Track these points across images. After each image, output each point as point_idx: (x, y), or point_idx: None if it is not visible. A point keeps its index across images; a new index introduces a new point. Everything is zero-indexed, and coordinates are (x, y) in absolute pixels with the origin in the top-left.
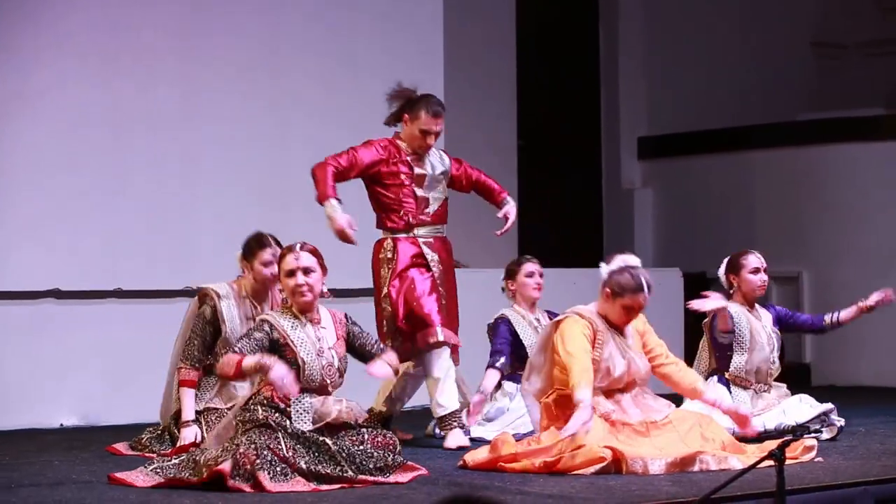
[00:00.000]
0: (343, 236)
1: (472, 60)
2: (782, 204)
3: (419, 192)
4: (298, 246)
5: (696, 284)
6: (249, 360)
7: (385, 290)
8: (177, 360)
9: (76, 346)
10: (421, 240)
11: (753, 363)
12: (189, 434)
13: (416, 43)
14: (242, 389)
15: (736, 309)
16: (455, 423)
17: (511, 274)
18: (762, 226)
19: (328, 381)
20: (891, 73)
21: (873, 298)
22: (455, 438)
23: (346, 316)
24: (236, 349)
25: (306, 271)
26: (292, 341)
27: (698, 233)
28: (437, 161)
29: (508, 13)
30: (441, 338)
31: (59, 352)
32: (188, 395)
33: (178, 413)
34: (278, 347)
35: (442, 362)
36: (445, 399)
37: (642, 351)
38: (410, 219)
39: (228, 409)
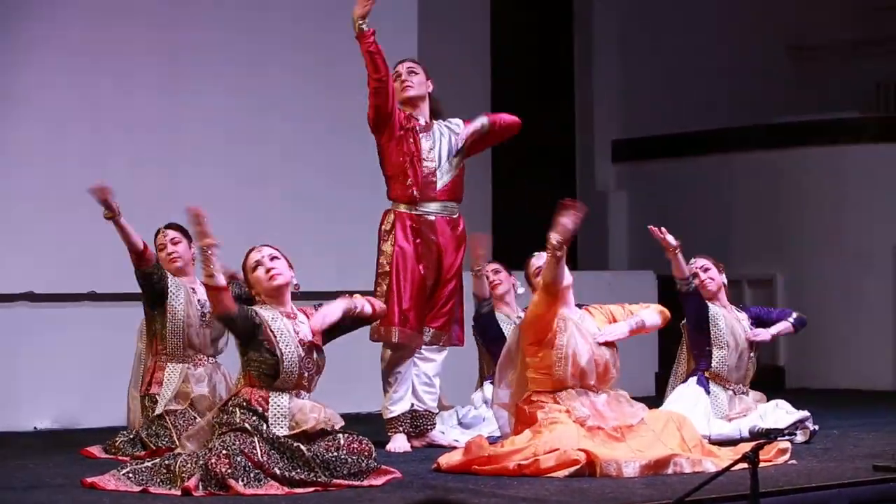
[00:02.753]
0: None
1: (446, 64)
2: (757, 207)
3: (427, 165)
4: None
5: (671, 287)
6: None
7: (382, 263)
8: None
9: (50, 349)
10: (424, 217)
11: (734, 359)
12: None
13: (390, 43)
14: (200, 388)
15: (714, 309)
16: (400, 428)
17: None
18: (737, 228)
19: (305, 374)
20: (866, 77)
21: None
22: (397, 443)
23: (314, 307)
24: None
25: (271, 258)
26: (272, 331)
27: (673, 236)
28: (448, 131)
29: (482, 16)
30: (395, 339)
31: (34, 355)
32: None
33: (149, 417)
34: (259, 332)
35: (393, 361)
36: (393, 402)
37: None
38: (414, 191)
39: (187, 409)
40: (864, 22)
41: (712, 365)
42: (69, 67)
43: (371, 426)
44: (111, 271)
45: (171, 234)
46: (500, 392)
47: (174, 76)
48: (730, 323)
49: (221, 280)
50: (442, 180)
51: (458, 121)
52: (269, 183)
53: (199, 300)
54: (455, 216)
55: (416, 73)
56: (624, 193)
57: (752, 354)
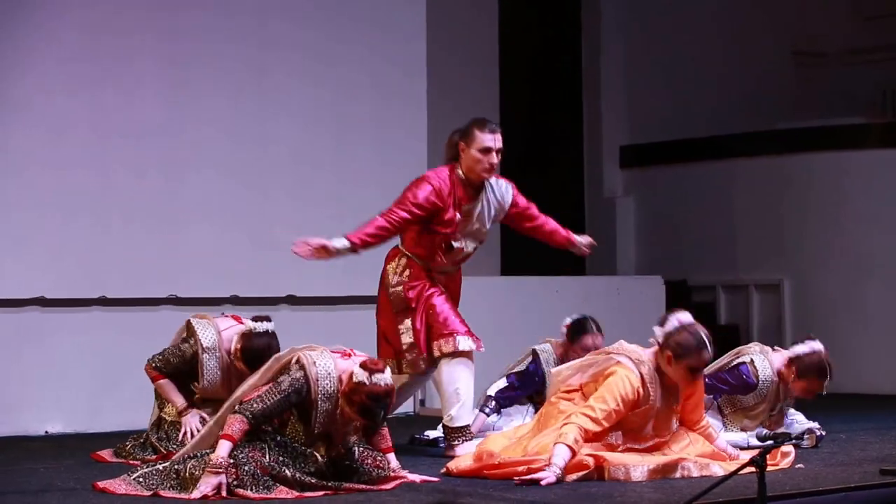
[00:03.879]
0: (305, 249)
1: (456, 71)
2: (763, 212)
3: (456, 242)
4: None
5: (678, 292)
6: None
7: (399, 290)
8: None
9: (61, 353)
10: (437, 272)
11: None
12: (192, 418)
13: (399, 50)
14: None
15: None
16: (462, 439)
17: (572, 337)
18: (743, 234)
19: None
20: (870, 83)
21: None
22: (463, 451)
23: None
24: (258, 405)
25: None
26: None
27: (680, 241)
28: (493, 198)
29: (491, 23)
30: (462, 348)
31: (44, 359)
32: (167, 386)
33: (158, 420)
34: (302, 401)
35: (460, 373)
36: (457, 411)
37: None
38: (440, 258)
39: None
40: (869, 29)
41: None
42: (74, 75)
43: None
44: (121, 276)
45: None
46: (564, 373)
47: (178, 83)
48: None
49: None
50: (462, 254)
51: (509, 186)
52: (274, 187)
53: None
54: (458, 269)
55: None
56: (631, 199)
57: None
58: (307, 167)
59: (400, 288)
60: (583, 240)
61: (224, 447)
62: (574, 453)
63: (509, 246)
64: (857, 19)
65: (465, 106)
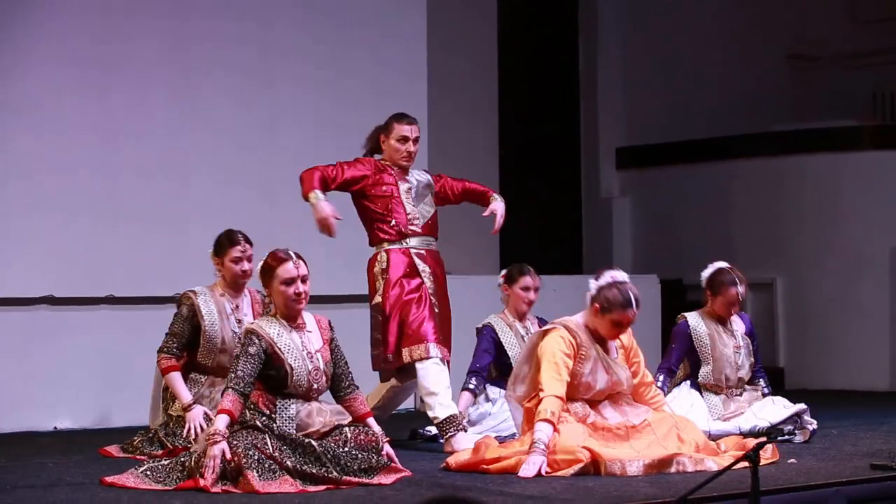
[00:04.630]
0: (325, 224)
1: (455, 72)
2: (758, 212)
3: (407, 204)
4: (294, 255)
5: (674, 291)
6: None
7: (378, 300)
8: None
9: (70, 351)
10: (413, 251)
11: (719, 371)
12: (197, 413)
13: (400, 53)
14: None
15: (694, 321)
16: (453, 429)
17: (510, 279)
18: (738, 233)
19: (314, 386)
20: (864, 86)
21: None
22: (459, 442)
23: (329, 323)
24: (236, 373)
25: (304, 280)
26: (279, 349)
27: (675, 240)
28: (420, 176)
29: (490, 26)
30: (431, 354)
31: (53, 357)
32: (175, 379)
33: (167, 419)
34: (266, 356)
35: (435, 375)
36: (440, 409)
37: (626, 364)
38: (401, 228)
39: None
40: (863, 33)
41: (699, 378)
42: (83, 79)
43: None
44: (129, 275)
45: (251, 250)
46: (517, 388)
47: (184, 87)
48: (713, 336)
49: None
50: (423, 218)
51: (424, 173)
52: (279, 191)
53: (237, 319)
54: (435, 249)
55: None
56: (627, 199)
57: (743, 361)
58: (308, 166)
59: (380, 300)
60: (496, 207)
61: (221, 419)
62: (554, 426)
63: (508, 245)
64: (852, 23)
65: (465, 107)
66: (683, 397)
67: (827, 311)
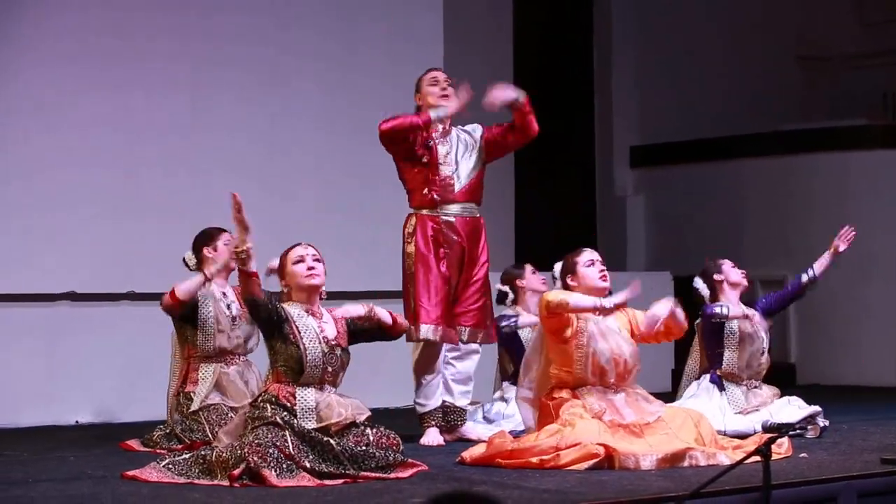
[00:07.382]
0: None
1: (470, 70)
2: (768, 210)
3: (444, 170)
4: (303, 244)
5: (687, 287)
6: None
7: (405, 263)
8: (173, 363)
9: (91, 346)
10: (444, 218)
11: (744, 359)
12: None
13: (417, 54)
14: (234, 384)
15: (728, 307)
16: (433, 423)
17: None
18: (749, 231)
19: (329, 369)
20: (873, 85)
21: (838, 242)
22: (430, 437)
23: (343, 318)
24: None
25: (314, 258)
26: (296, 326)
27: (688, 238)
28: (465, 135)
29: (506, 25)
30: (421, 336)
31: (75, 352)
32: (183, 285)
33: (183, 414)
34: (283, 323)
35: (424, 359)
36: (421, 399)
37: (630, 338)
38: (435, 195)
39: (221, 404)
40: (872, 34)
41: (723, 365)
42: (104, 77)
43: (399, 420)
44: (149, 271)
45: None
46: (524, 388)
47: (201, 83)
48: (741, 322)
49: (253, 266)
50: (460, 182)
51: (476, 126)
52: (297, 188)
53: (227, 304)
54: (476, 216)
55: (452, 86)
56: (641, 198)
57: (763, 351)
58: (328, 168)
59: (404, 263)
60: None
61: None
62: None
63: (523, 240)
64: (860, 24)
65: (481, 107)
66: (702, 392)
67: (837, 307)
